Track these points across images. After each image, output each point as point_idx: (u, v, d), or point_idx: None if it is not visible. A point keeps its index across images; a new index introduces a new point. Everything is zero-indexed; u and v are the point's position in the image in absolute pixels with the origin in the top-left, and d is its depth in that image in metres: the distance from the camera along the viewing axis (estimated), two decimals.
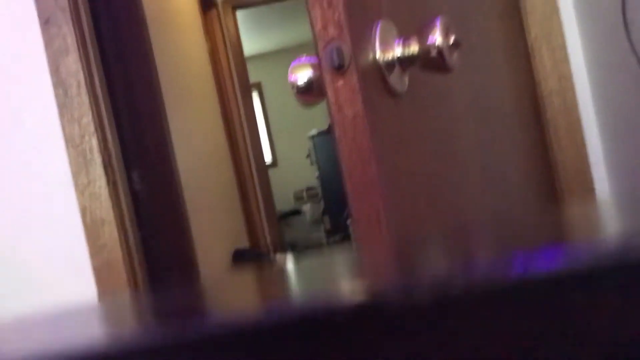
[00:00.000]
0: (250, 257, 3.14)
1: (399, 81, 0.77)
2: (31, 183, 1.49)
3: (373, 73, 0.74)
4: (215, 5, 4.29)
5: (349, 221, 5.68)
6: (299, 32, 6.68)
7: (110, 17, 2.15)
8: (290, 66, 0.81)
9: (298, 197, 6.88)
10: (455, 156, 0.93)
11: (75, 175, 1.46)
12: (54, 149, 1.48)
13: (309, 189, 6.81)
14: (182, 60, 3.10)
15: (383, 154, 0.72)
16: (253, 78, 5.23)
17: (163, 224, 2.37)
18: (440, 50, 0.73)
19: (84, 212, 1.46)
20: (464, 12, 1.12)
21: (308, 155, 6.63)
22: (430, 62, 0.75)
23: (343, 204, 5.83)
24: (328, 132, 6.06)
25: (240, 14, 4.67)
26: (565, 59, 1.46)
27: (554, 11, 1.47)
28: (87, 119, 1.45)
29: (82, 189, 1.46)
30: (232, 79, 4.61)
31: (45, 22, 1.45)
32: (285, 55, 7.26)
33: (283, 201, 6.44)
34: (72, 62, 1.45)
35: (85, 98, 1.44)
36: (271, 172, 5.13)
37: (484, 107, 1.12)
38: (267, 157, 6.48)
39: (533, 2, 1.46)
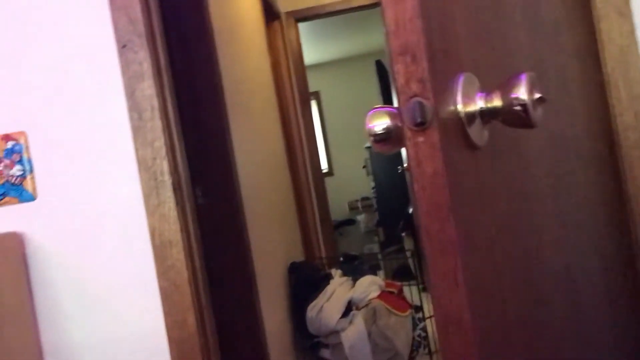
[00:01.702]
0: (306, 271, 3.15)
1: (479, 134, 0.76)
2: (103, 203, 1.54)
3: (454, 126, 0.73)
4: (278, 17, 4.34)
5: (403, 233, 5.64)
6: (357, 43, 6.68)
7: (180, 37, 2.21)
8: (368, 114, 0.81)
9: (353, 207, 6.88)
10: (529, 205, 0.91)
11: (147, 196, 1.50)
12: (126, 171, 1.52)
13: (364, 199, 6.79)
14: (246, 70, 3.15)
15: (461, 210, 0.71)
16: (311, 87, 5.26)
17: (224, 238, 2.41)
18: (524, 106, 0.72)
19: (153, 233, 1.50)
20: (541, 50, 1.10)
21: (364, 166, 6.61)
22: (513, 117, 0.73)
23: (398, 215, 5.79)
24: None
25: (301, 25, 4.72)
26: None
27: (632, 44, 1.42)
28: (160, 143, 1.49)
29: (152, 210, 1.50)
30: (292, 88, 4.66)
31: (123, 47, 1.50)
32: (344, 64, 7.28)
33: (338, 210, 6.45)
34: (147, 87, 1.49)
35: (158, 122, 1.48)
36: (327, 181, 5.15)
37: (559, 146, 1.10)
38: (323, 166, 6.50)
39: (610, 35, 1.42)
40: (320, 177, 4.85)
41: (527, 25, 1.06)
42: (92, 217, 1.54)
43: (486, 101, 0.74)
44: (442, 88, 0.72)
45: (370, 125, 0.81)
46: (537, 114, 0.73)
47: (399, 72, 0.71)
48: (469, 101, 0.74)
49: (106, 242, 1.54)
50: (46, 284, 1.56)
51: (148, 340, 1.52)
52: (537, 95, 0.73)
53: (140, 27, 1.49)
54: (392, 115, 0.79)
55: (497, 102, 0.73)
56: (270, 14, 4.13)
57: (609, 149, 1.40)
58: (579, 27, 1.44)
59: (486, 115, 0.74)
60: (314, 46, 6.36)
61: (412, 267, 5.02)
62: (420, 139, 0.70)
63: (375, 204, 6.42)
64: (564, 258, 1.03)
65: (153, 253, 1.50)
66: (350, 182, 7.02)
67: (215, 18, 2.46)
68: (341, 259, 5.28)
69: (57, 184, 1.55)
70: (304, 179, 4.55)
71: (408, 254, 5.02)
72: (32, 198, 1.55)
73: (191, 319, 1.49)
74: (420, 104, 0.69)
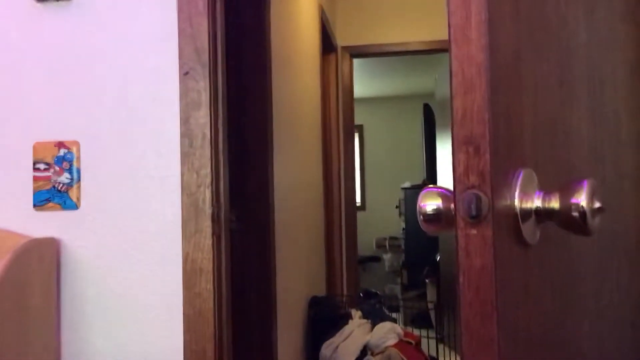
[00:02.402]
0: (326, 307, 3.13)
1: (532, 232, 0.75)
2: (142, 222, 1.56)
3: (508, 222, 0.72)
4: (335, 50, 4.39)
5: (427, 280, 5.58)
6: (408, 83, 6.71)
7: (238, 66, 2.25)
8: (421, 193, 0.81)
9: (380, 245, 6.83)
10: (571, 304, 0.89)
11: (185, 222, 1.52)
12: (169, 194, 1.54)
13: (392, 238, 6.75)
14: (296, 99, 3.18)
15: (505, 308, 0.70)
16: (356, 120, 5.28)
17: (251, 266, 2.42)
18: (583, 214, 0.71)
19: (185, 258, 1.51)
20: (601, 143, 1.09)
21: (397, 206, 6.58)
22: (570, 222, 0.72)
23: (424, 261, 5.72)
24: (421, 186, 6.00)
25: (355, 60, 4.76)
26: None
27: None
28: (206, 171, 1.51)
29: (188, 237, 1.51)
30: (338, 121, 4.69)
31: (185, 74, 1.53)
32: (391, 102, 7.30)
33: (364, 245, 6.42)
34: (202, 116, 1.51)
35: (207, 151, 1.51)
36: (358, 215, 5.13)
37: (607, 245, 1.07)
38: (357, 199, 6.49)
39: None
40: (353, 212, 4.84)
41: (591, 116, 1.05)
42: (130, 234, 1.57)
43: (544, 201, 0.73)
44: (500, 182, 0.71)
45: (421, 204, 0.80)
46: (594, 222, 0.72)
47: (459, 161, 0.71)
48: (526, 198, 0.74)
49: (140, 260, 1.56)
50: (75, 293, 1.58)
51: None
52: (597, 205, 0.72)
53: (205, 56, 1.52)
54: (444, 198, 0.79)
55: (555, 204, 0.73)
56: (327, 46, 4.18)
57: None
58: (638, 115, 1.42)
59: (542, 215, 0.74)
60: (365, 80, 6.40)
61: (432, 317, 4.95)
62: (473, 231, 0.69)
63: (403, 245, 6.37)
64: (597, 353, 1.00)
65: (183, 279, 1.51)
66: (380, 219, 6.99)
67: (275, 47, 2.51)
68: (361, 294, 5.24)
69: (101, 197, 1.58)
70: (337, 212, 4.55)
71: (430, 305, 4.95)
72: (75, 207, 1.58)
73: (210, 351, 1.49)
74: (477, 197, 0.68)
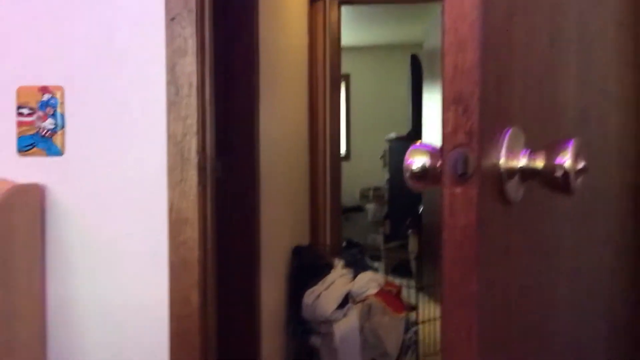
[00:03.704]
0: (309, 257, 3.18)
1: (515, 190, 0.76)
2: (128, 169, 1.56)
3: (492, 181, 0.73)
4: None
5: (409, 231, 5.65)
6: (395, 33, 6.62)
7: (225, 11, 2.20)
8: (409, 149, 0.81)
9: (364, 195, 6.88)
10: (549, 262, 0.91)
11: (171, 171, 1.51)
12: (154, 143, 1.54)
13: (376, 189, 6.79)
14: (283, 47, 3.14)
15: (485, 266, 0.71)
16: (343, 69, 5.22)
17: (235, 214, 2.43)
18: (566, 174, 0.72)
19: (170, 207, 1.52)
20: (588, 99, 1.09)
21: (382, 156, 6.60)
22: (553, 181, 0.73)
23: (406, 212, 5.78)
24: (406, 138, 6.01)
25: (343, 9, 4.67)
26: None
27: None
28: (192, 120, 1.49)
29: (173, 185, 1.51)
30: (325, 70, 4.63)
31: (171, 20, 1.50)
32: (378, 51, 7.22)
33: (348, 196, 6.46)
34: (188, 64, 1.49)
35: (194, 100, 1.49)
36: (342, 165, 5.14)
37: (588, 201, 1.09)
38: (342, 150, 6.49)
39: None
40: (337, 162, 4.84)
41: (579, 76, 1.05)
42: (115, 182, 1.56)
43: (529, 160, 0.74)
44: (488, 141, 0.72)
45: (408, 160, 0.81)
46: (577, 182, 0.73)
47: (448, 119, 0.71)
48: (511, 157, 0.74)
49: (125, 208, 1.56)
50: (60, 239, 1.58)
51: (150, 311, 1.54)
52: (581, 165, 0.73)
53: (192, 2, 1.49)
54: (431, 155, 0.79)
55: (539, 163, 0.73)
56: None
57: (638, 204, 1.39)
58: (626, 75, 1.42)
59: (526, 173, 0.75)
60: (352, 29, 6.30)
61: (412, 267, 5.04)
62: (458, 189, 0.70)
63: (386, 196, 6.42)
64: (573, 317, 1.03)
65: (168, 227, 1.52)
66: (365, 170, 7.01)
67: None
68: (344, 244, 5.31)
69: (85, 144, 1.57)
70: (322, 162, 4.56)
71: (412, 255, 5.03)
72: (59, 153, 1.57)
73: (195, 297, 1.51)
74: (464, 157, 0.69)
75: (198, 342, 1.50)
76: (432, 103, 5.04)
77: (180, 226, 1.51)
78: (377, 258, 5.77)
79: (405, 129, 6.26)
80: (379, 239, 6.28)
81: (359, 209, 6.84)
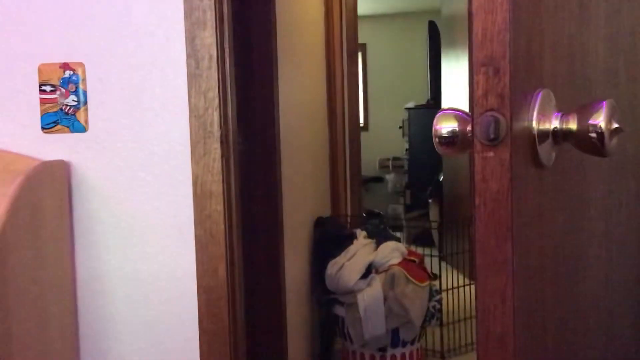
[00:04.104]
0: (332, 228, 3.18)
1: (548, 154, 0.75)
2: (152, 144, 1.56)
3: (524, 144, 0.72)
4: None
5: (430, 200, 5.64)
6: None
7: None
8: (437, 115, 0.80)
9: (383, 165, 6.86)
10: (582, 224, 0.90)
11: (194, 145, 1.52)
12: (177, 117, 1.54)
13: (395, 159, 6.77)
14: (299, 15, 3.10)
15: (519, 230, 0.71)
16: (360, 39, 5.17)
17: (258, 185, 2.44)
18: (601, 135, 0.70)
19: (195, 181, 1.52)
20: (617, 63, 1.07)
21: (401, 126, 6.56)
22: (587, 142, 0.72)
23: (427, 181, 5.77)
24: (425, 106, 5.96)
25: None
26: None
27: None
28: (213, 94, 1.49)
29: (197, 159, 1.52)
30: (342, 39, 4.59)
31: None
32: (394, 19, 7.12)
33: (368, 166, 6.45)
34: (208, 36, 1.48)
35: (214, 73, 1.48)
36: (361, 135, 5.12)
37: (619, 167, 1.08)
38: (360, 120, 6.46)
39: None
40: (356, 132, 4.83)
41: (608, 37, 1.03)
42: (140, 157, 1.57)
43: (562, 122, 0.73)
44: (519, 104, 0.70)
45: (437, 126, 0.80)
46: (612, 143, 0.72)
47: (478, 83, 0.70)
48: (544, 119, 0.73)
49: (150, 182, 1.57)
50: (87, 214, 1.60)
51: (178, 283, 1.56)
52: (615, 125, 0.71)
53: None
54: (460, 120, 0.78)
55: (572, 125, 0.72)
56: None
57: None
58: None
59: (559, 136, 0.73)
60: None
61: (434, 236, 5.04)
62: (490, 154, 0.69)
63: (406, 166, 6.40)
64: (604, 274, 1.02)
65: (193, 201, 1.53)
66: (384, 140, 6.98)
67: None
68: (364, 215, 5.32)
69: (109, 119, 1.58)
70: (341, 133, 4.54)
71: (434, 224, 5.02)
72: (83, 129, 1.58)
73: (222, 269, 1.52)
74: (496, 120, 0.68)
75: (226, 313, 1.51)
76: (451, 70, 4.98)
77: (204, 200, 1.52)
78: (398, 228, 5.77)
79: (424, 98, 6.21)
80: (400, 209, 6.28)
81: (378, 179, 6.83)
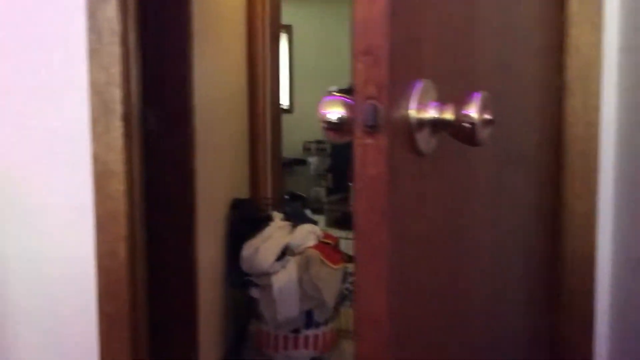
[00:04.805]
0: (248, 210, 3.18)
1: (426, 142, 0.77)
2: (50, 120, 1.50)
3: (403, 131, 0.74)
4: None
5: (351, 184, 5.71)
6: None
7: None
8: (323, 100, 0.81)
9: (306, 148, 6.88)
10: (467, 211, 0.94)
11: (94, 122, 1.47)
12: (77, 92, 1.48)
13: (319, 142, 6.80)
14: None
15: (397, 216, 0.73)
16: (284, 20, 5.13)
17: (169, 165, 2.40)
18: (473, 125, 0.73)
19: (95, 159, 1.48)
20: (507, 51, 1.11)
21: None
22: (461, 132, 0.75)
23: (348, 166, 5.86)
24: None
25: None
26: (596, 107, 1.44)
27: (596, 57, 1.44)
28: (115, 69, 1.45)
29: (97, 137, 1.47)
30: (264, 20, 4.54)
31: None
32: (321, 1, 7.11)
33: (291, 148, 6.44)
34: (111, 10, 1.43)
35: (117, 48, 1.44)
36: (285, 118, 5.11)
37: (506, 150, 1.12)
38: (284, 103, 6.44)
39: (577, 44, 1.44)
40: (277, 114, 4.80)
41: (500, 29, 1.07)
42: (38, 133, 1.51)
43: (438, 112, 0.75)
44: (398, 93, 0.72)
45: (324, 111, 0.81)
46: (484, 133, 0.75)
47: (359, 71, 0.71)
48: (422, 109, 0.75)
49: (48, 160, 1.52)
50: None
51: (77, 264, 1.52)
52: (486, 117, 0.74)
53: None
54: (347, 107, 0.80)
55: (448, 114, 0.75)
56: None
57: (556, 156, 1.44)
58: (549, 29, 1.45)
59: (436, 125, 0.76)
60: None
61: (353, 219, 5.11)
62: (369, 140, 0.71)
63: (329, 149, 6.45)
64: (492, 263, 1.07)
65: (93, 180, 1.49)
66: (308, 122, 6.96)
67: None
68: (287, 197, 5.33)
69: (4, 94, 1.50)
70: (261, 113, 4.51)
71: (352, 208, 5.08)
72: None
73: (123, 250, 1.49)
74: (375, 108, 0.69)
75: (126, 295, 1.49)
76: None
77: (106, 178, 1.48)
78: (319, 211, 5.82)
79: (347, 82, 6.25)
80: (322, 192, 6.33)
81: (302, 162, 6.85)
